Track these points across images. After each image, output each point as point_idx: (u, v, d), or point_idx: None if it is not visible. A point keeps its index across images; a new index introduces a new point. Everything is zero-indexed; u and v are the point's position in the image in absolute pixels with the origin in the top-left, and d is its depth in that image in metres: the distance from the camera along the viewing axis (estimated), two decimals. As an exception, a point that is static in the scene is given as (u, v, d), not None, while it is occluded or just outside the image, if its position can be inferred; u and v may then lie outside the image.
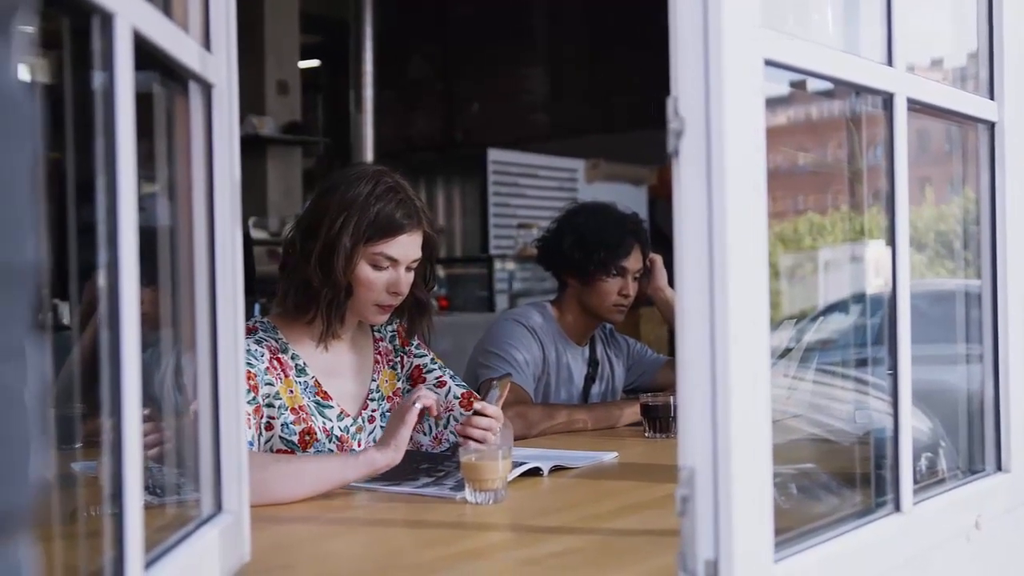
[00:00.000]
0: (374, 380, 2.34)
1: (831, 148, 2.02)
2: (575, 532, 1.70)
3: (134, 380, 1.00)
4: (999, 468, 1.81)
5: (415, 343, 2.42)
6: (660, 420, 2.64)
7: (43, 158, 0.61)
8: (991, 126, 1.80)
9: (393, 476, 2.01)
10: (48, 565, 1.01)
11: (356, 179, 2.19)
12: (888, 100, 1.50)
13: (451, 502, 1.87)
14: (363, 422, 2.28)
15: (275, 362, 2.17)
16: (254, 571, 1.43)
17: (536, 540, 1.67)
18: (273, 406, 2.14)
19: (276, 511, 1.83)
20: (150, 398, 1.11)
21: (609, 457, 2.35)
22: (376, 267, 2.18)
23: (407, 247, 2.20)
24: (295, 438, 2.15)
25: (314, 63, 9.83)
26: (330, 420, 2.22)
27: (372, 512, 1.81)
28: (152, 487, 1.29)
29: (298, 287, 2.20)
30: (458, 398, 2.36)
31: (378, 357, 2.37)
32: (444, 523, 1.76)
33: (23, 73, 0.59)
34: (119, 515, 1.00)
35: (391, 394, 2.36)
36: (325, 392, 2.23)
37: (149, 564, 1.08)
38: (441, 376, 2.39)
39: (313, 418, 2.18)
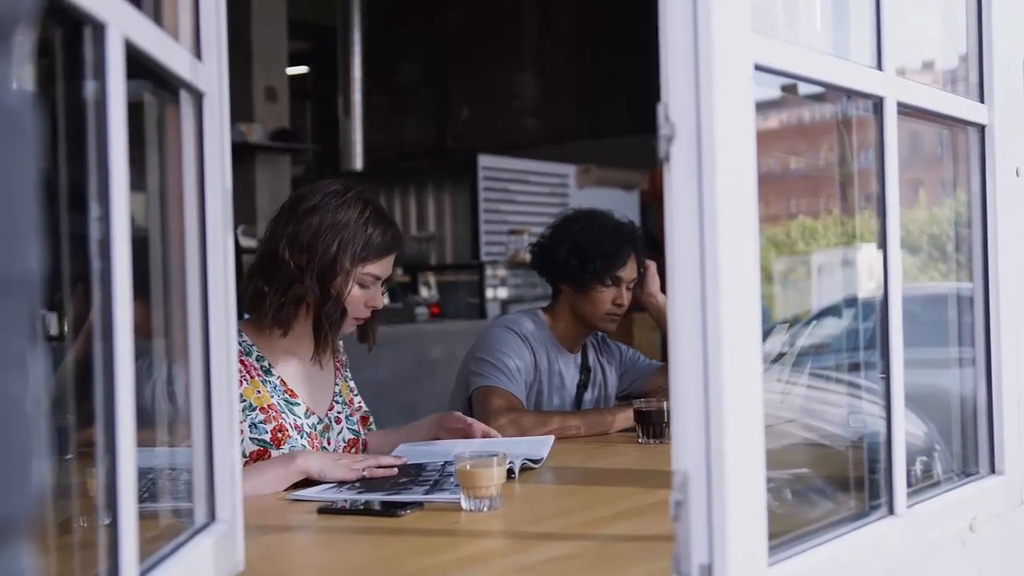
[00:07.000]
0: (336, 384, 2.45)
1: (822, 152, 2.02)
2: (570, 538, 1.69)
3: (128, 390, 1.00)
4: (992, 471, 1.81)
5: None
6: (653, 426, 2.63)
7: (43, 168, 0.61)
8: (981, 129, 1.81)
9: (391, 487, 2.01)
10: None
11: (341, 202, 2.27)
12: (879, 104, 1.51)
13: (446, 509, 1.86)
14: (330, 422, 2.38)
15: (239, 364, 2.21)
16: (248, 580, 1.42)
17: (531, 546, 1.67)
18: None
19: (270, 520, 1.83)
20: (142, 409, 1.11)
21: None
22: (362, 286, 2.30)
23: (390, 266, 2.35)
24: (267, 436, 2.22)
25: (302, 69, 9.82)
26: (299, 417, 2.30)
27: (367, 521, 1.81)
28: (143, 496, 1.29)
29: (290, 302, 2.25)
30: (346, 441, 2.42)
31: (338, 365, 2.48)
32: (439, 531, 1.76)
33: (24, 83, 0.59)
34: (114, 525, 0.99)
35: (348, 401, 2.47)
36: (291, 391, 2.32)
37: (143, 574, 1.08)
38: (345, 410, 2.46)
39: (284, 415, 2.26)
